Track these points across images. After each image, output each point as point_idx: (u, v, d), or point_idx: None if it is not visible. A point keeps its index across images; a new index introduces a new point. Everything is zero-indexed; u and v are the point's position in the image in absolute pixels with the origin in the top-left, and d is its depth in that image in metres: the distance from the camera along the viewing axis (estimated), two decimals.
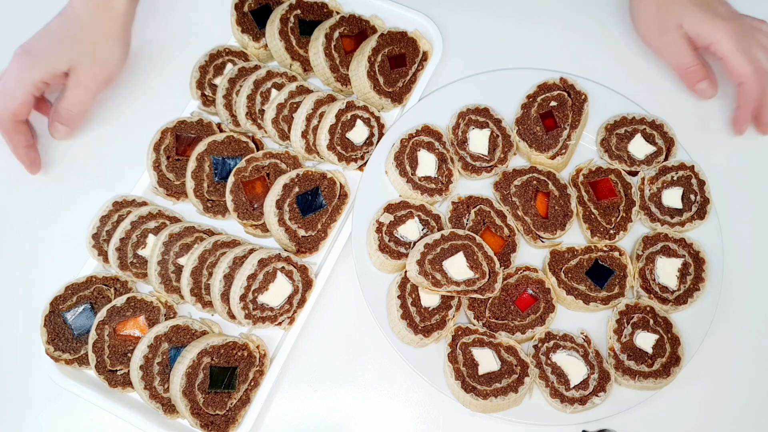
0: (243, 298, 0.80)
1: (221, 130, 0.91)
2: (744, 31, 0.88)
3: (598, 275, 0.84)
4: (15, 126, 0.87)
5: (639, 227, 0.89)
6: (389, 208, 0.86)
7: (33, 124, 0.92)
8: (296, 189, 0.86)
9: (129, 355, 0.80)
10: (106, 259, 0.85)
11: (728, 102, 0.96)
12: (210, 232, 0.86)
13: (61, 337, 0.82)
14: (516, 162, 0.92)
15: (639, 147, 0.90)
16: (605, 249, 0.85)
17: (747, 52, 0.87)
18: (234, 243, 0.85)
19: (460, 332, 0.81)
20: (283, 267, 0.82)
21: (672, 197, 0.88)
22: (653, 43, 0.94)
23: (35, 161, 0.91)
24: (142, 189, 0.90)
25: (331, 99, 0.91)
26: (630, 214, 0.87)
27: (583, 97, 0.91)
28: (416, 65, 0.95)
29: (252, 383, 0.80)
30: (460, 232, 0.82)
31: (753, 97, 0.88)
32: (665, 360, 0.80)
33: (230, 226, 0.89)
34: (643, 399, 0.80)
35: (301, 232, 0.86)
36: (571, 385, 0.79)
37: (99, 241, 0.86)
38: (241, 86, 0.92)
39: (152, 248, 0.84)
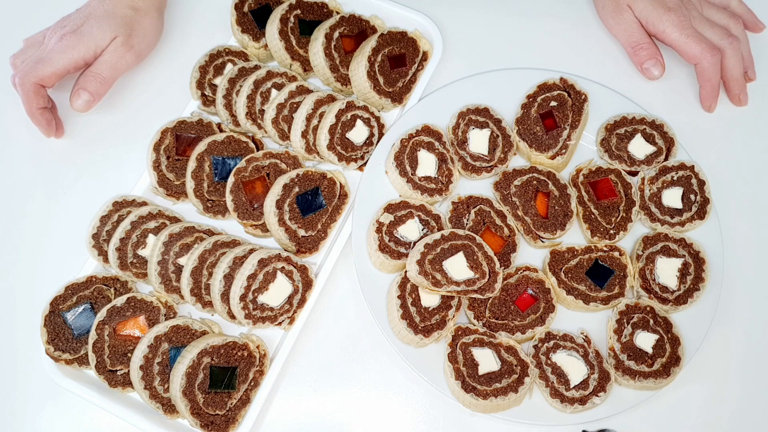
0: (243, 298, 0.80)
1: (221, 130, 0.91)
2: (689, 13, 0.93)
3: (598, 275, 0.84)
4: (36, 89, 0.88)
5: (639, 227, 0.89)
6: (389, 208, 0.86)
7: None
8: (296, 189, 0.86)
9: (129, 355, 0.80)
10: (106, 259, 0.85)
11: (728, 102, 0.96)
12: (210, 232, 0.86)
13: (61, 337, 0.82)
14: (516, 162, 0.92)
15: (639, 147, 0.90)
16: (605, 249, 0.85)
17: (693, 35, 0.92)
18: (234, 243, 0.85)
19: (460, 332, 0.81)
20: (283, 267, 0.82)
21: (672, 197, 0.88)
22: (607, 21, 0.99)
23: (50, 122, 0.92)
24: (142, 189, 0.90)
25: (331, 99, 0.91)
26: (630, 214, 0.87)
27: (583, 97, 0.91)
28: (416, 65, 0.95)
29: (252, 383, 0.80)
30: (460, 232, 0.82)
31: (710, 74, 0.93)
32: (665, 360, 0.80)
33: (230, 226, 0.89)
34: (643, 399, 0.80)
35: (301, 232, 0.86)
36: (571, 385, 0.79)
37: (99, 241, 0.86)
38: (241, 86, 0.92)
39: (152, 248, 0.84)
